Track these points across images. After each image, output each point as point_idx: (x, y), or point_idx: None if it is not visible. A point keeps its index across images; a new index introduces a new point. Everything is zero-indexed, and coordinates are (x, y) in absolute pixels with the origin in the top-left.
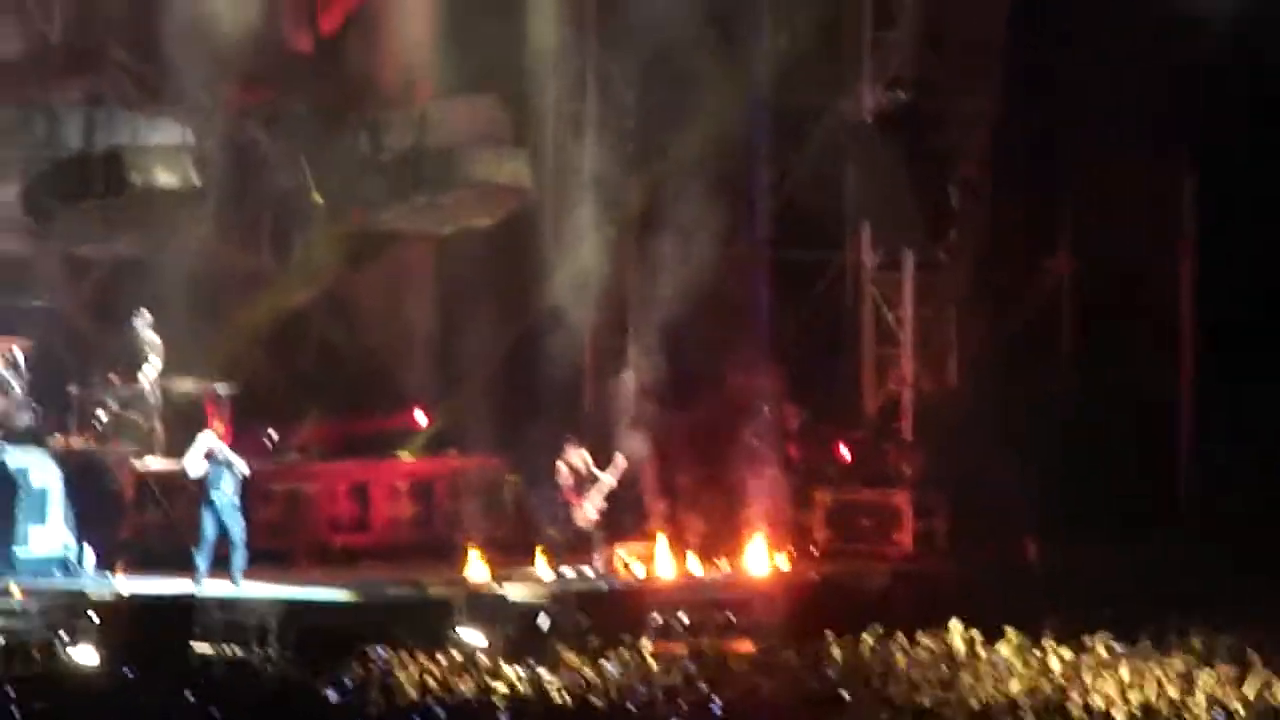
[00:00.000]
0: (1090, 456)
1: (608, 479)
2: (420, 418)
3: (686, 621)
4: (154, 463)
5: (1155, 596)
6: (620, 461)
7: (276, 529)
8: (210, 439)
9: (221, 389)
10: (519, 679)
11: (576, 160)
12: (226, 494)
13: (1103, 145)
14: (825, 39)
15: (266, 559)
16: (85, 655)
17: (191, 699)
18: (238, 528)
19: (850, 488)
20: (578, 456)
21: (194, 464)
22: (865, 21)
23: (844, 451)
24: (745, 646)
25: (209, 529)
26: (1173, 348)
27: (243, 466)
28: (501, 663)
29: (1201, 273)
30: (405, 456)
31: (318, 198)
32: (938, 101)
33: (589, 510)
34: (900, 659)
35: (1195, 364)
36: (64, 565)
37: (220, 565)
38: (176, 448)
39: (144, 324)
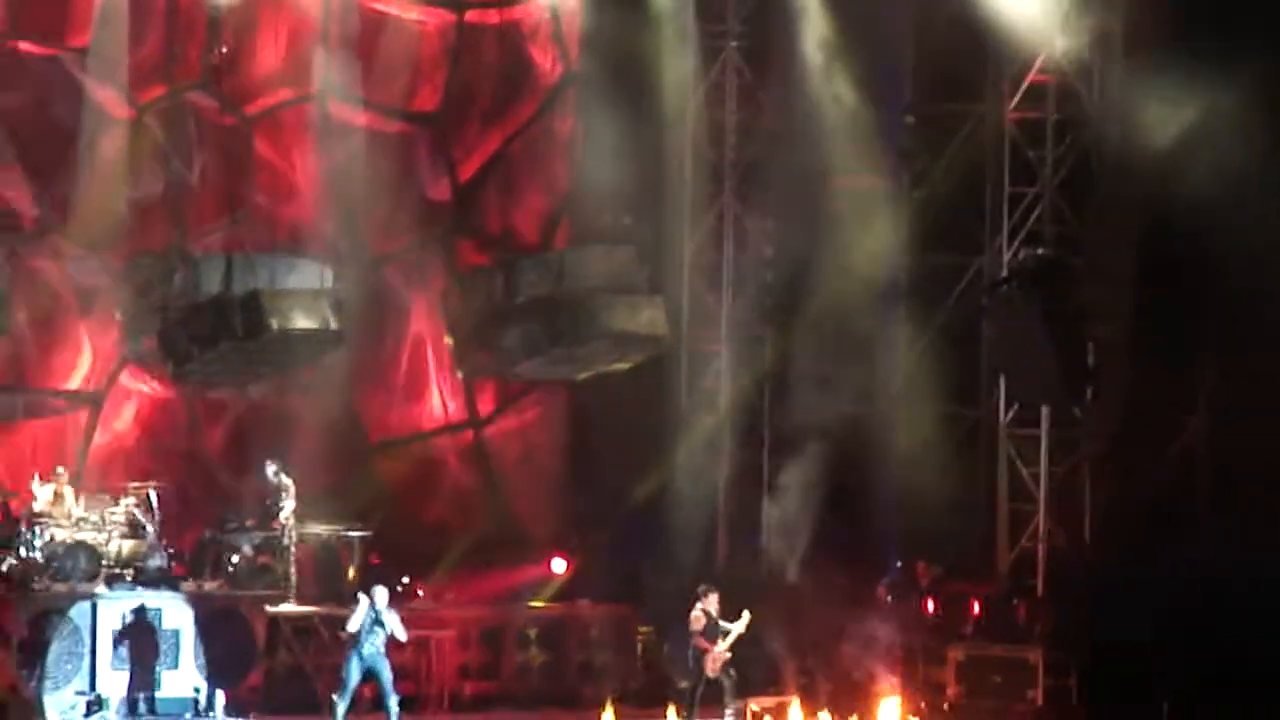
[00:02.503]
0: (1227, 618)
1: (735, 629)
2: (559, 565)
3: None
4: (287, 607)
5: None
6: (747, 616)
7: (407, 675)
8: (381, 597)
9: (356, 534)
10: None
11: (713, 311)
12: (377, 645)
13: (1244, 303)
14: (964, 194)
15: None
16: None
17: None
18: (388, 674)
19: (983, 644)
20: (714, 604)
21: (355, 622)
22: (1004, 177)
23: (976, 607)
24: None
25: (353, 676)
26: None
27: (400, 632)
28: None
29: None
30: (537, 604)
31: (450, 342)
32: (1076, 258)
33: (718, 658)
34: None
35: None
36: (195, 708)
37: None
38: (309, 592)
39: (275, 470)
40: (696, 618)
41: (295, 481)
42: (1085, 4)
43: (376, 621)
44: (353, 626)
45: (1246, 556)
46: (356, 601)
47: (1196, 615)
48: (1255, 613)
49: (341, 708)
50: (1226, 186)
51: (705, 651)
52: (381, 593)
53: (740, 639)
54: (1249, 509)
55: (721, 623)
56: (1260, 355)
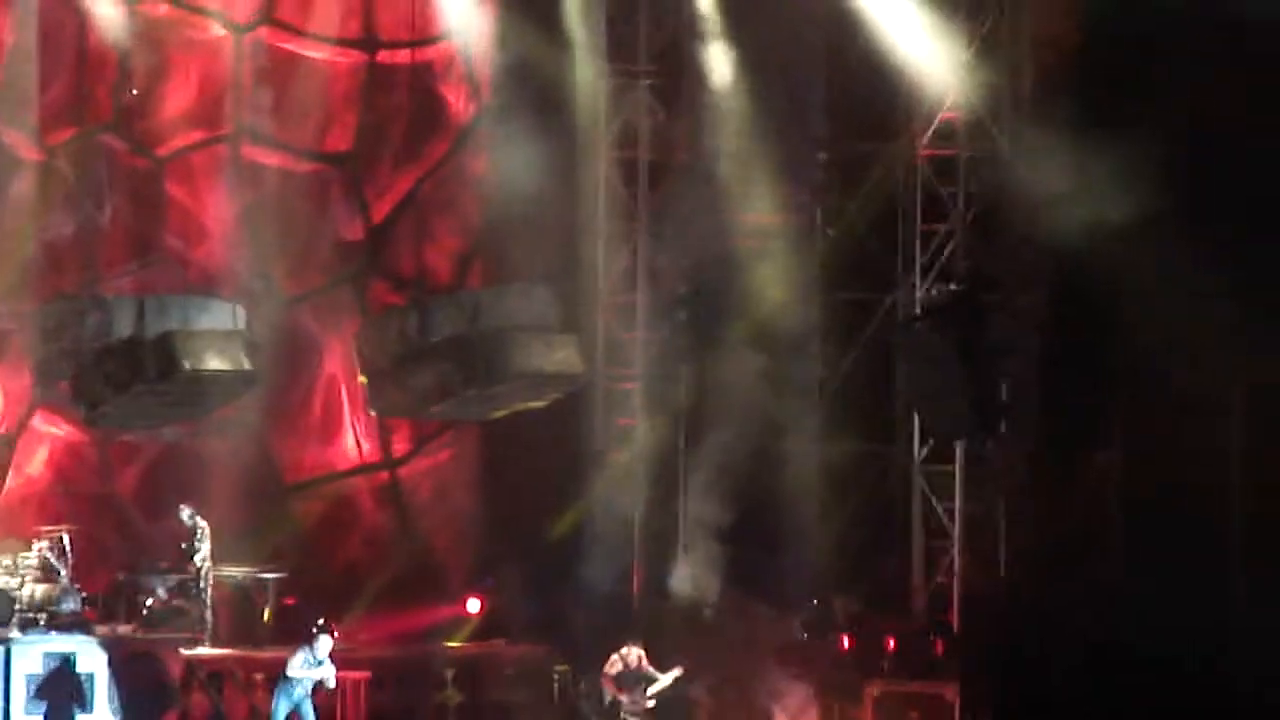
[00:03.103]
0: (1144, 650)
1: (664, 680)
2: (473, 605)
3: None
4: (202, 650)
5: None
6: (679, 671)
7: (323, 717)
8: (324, 646)
9: (270, 576)
10: None
11: (627, 350)
12: (308, 689)
13: (1155, 338)
14: (877, 231)
15: None
16: None
17: None
18: (312, 717)
19: (899, 680)
20: (634, 654)
21: (297, 667)
22: (916, 214)
23: (892, 644)
24: None
25: (280, 715)
26: (1224, 543)
27: (331, 680)
28: None
29: (1250, 472)
30: (453, 644)
31: (364, 381)
32: (989, 294)
33: (638, 705)
34: None
35: (1245, 563)
36: None
37: None
38: (224, 635)
39: (189, 513)
40: (613, 662)
41: (209, 523)
42: (991, 47)
43: (315, 665)
44: (294, 666)
45: (1161, 590)
46: (283, 645)
47: (1113, 649)
48: (1172, 643)
49: None
50: (1132, 226)
51: (615, 696)
52: (325, 641)
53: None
54: (1163, 542)
55: (649, 669)
56: (1171, 388)
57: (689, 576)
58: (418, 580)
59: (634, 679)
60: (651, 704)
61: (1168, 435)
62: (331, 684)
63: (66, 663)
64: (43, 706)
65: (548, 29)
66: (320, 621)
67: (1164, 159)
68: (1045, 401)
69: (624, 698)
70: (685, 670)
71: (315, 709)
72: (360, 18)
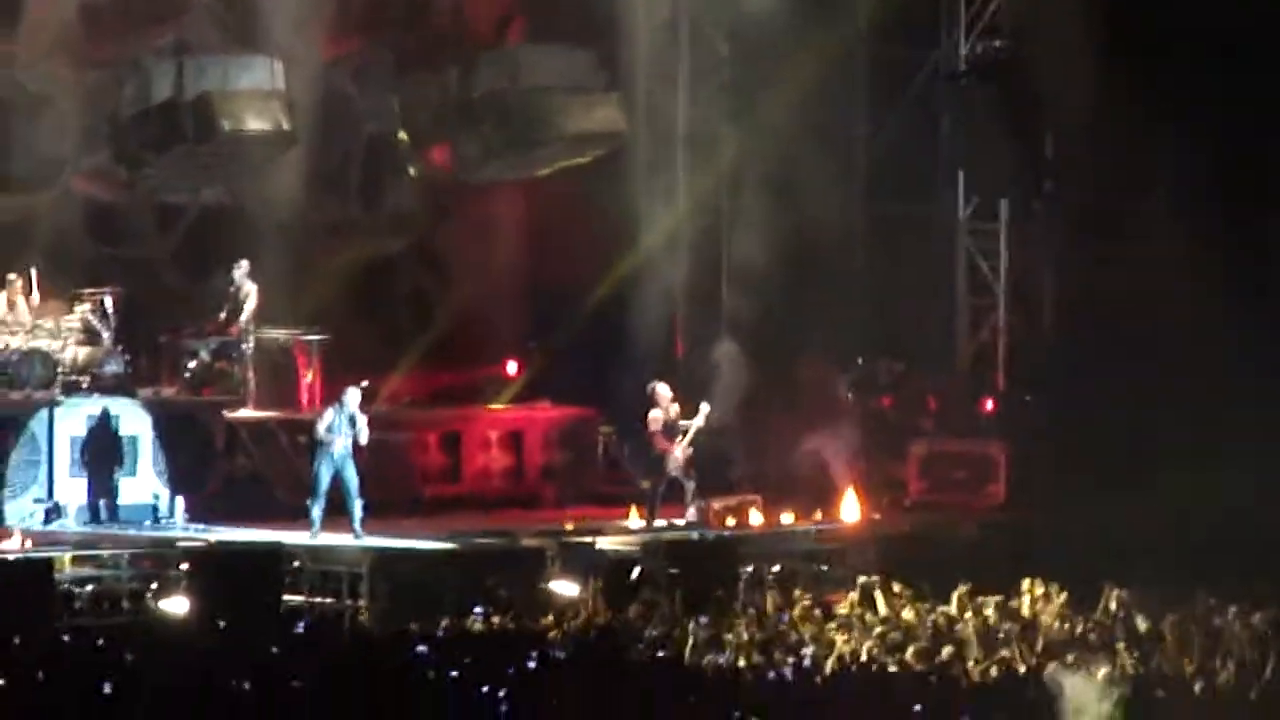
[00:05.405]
0: (1195, 406)
1: (694, 425)
2: (512, 368)
3: (779, 572)
4: (244, 412)
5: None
6: (704, 409)
7: (367, 479)
8: (353, 398)
9: (312, 338)
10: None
11: (670, 113)
12: (347, 447)
13: (1203, 94)
14: None
15: None
16: (175, 605)
17: (280, 650)
18: (355, 478)
19: (944, 438)
20: (665, 399)
21: (325, 424)
22: None
23: (933, 403)
24: (837, 598)
25: (324, 478)
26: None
27: (363, 435)
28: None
29: None
30: (497, 406)
31: (404, 136)
32: (1033, 49)
33: (679, 459)
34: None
35: None
36: (155, 515)
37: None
38: (267, 397)
39: (242, 273)
40: (654, 418)
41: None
42: None
43: (349, 422)
44: (323, 427)
45: (1214, 339)
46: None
47: (1158, 404)
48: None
49: (317, 511)
50: None
51: (665, 451)
52: (354, 394)
53: (701, 435)
54: (1217, 289)
55: (681, 421)
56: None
57: (733, 336)
58: (460, 342)
59: (674, 430)
60: (690, 451)
61: (1221, 170)
62: (364, 440)
63: (109, 424)
64: (86, 468)
65: None
66: (363, 383)
67: None
68: (1092, 157)
69: (672, 451)
70: (718, 420)
71: (359, 471)
72: None
